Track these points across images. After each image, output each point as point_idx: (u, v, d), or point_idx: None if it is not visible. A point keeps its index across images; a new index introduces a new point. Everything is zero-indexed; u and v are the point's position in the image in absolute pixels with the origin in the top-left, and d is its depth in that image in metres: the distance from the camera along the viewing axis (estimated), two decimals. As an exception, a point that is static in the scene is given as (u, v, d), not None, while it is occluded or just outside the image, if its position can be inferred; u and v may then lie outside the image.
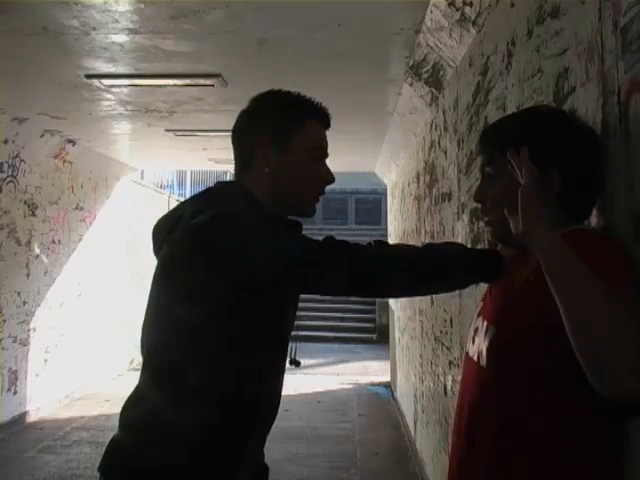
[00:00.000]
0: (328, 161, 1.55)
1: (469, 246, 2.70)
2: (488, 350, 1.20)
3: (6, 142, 5.58)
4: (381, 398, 7.45)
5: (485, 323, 1.25)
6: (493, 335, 1.20)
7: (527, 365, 1.12)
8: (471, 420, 1.22)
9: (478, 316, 1.33)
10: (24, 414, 5.96)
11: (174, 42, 3.45)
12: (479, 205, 1.36)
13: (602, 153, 1.25)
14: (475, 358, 1.25)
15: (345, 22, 3.13)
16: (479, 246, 2.47)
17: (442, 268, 1.36)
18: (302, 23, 3.18)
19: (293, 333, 1.55)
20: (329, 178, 1.53)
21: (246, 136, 1.50)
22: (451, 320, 3.22)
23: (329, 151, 1.55)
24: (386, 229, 9.21)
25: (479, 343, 1.25)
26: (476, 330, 1.29)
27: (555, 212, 1.17)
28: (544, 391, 1.10)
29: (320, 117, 1.52)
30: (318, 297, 13.37)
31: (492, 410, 1.17)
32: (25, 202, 6.01)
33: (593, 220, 1.33)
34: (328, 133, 1.56)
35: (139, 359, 1.46)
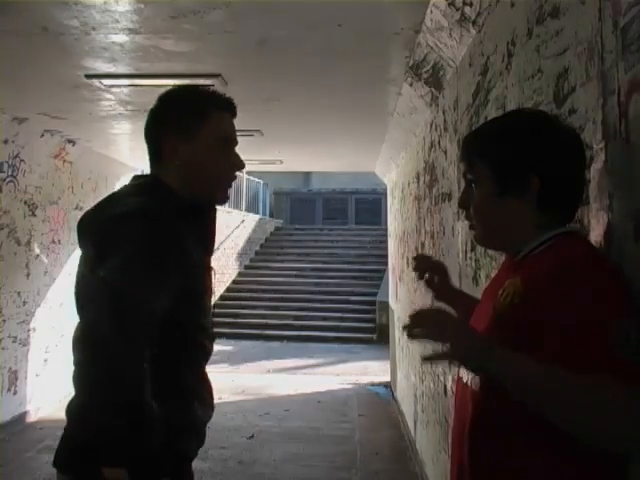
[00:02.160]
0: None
1: (469, 246, 2.71)
2: (481, 376, 1.17)
3: (6, 142, 5.58)
4: (381, 398, 7.45)
5: None
6: None
7: None
8: (474, 444, 1.19)
9: None
10: (24, 414, 5.97)
11: (174, 42, 3.45)
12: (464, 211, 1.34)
13: (584, 156, 1.25)
14: (469, 383, 1.23)
15: (345, 22, 3.12)
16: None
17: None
18: (302, 23, 3.18)
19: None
20: (239, 165, 1.61)
21: (155, 133, 1.59)
22: (451, 320, 3.21)
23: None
24: (386, 229, 9.21)
25: None
26: None
27: (535, 217, 1.19)
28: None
29: (224, 107, 1.59)
30: (318, 297, 13.41)
31: (492, 433, 1.15)
32: (25, 202, 6.01)
33: (593, 220, 1.33)
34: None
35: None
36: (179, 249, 1.43)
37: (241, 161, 1.60)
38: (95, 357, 1.27)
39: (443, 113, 3.49)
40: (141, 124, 1.65)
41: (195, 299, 1.52)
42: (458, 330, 1.11)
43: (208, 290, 1.60)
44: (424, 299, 4.32)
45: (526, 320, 1.08)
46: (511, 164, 1.20)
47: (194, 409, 1.53)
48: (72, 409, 1.42)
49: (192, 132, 1.54)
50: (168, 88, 1.64)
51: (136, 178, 1.64)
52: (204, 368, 1.62)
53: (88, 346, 1.29)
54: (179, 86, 1.67)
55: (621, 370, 0.99)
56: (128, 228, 1.39)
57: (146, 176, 1.66)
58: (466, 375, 1.26)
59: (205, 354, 1.60)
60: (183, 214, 1.48)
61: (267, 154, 7.30)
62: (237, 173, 1.65)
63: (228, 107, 1.60)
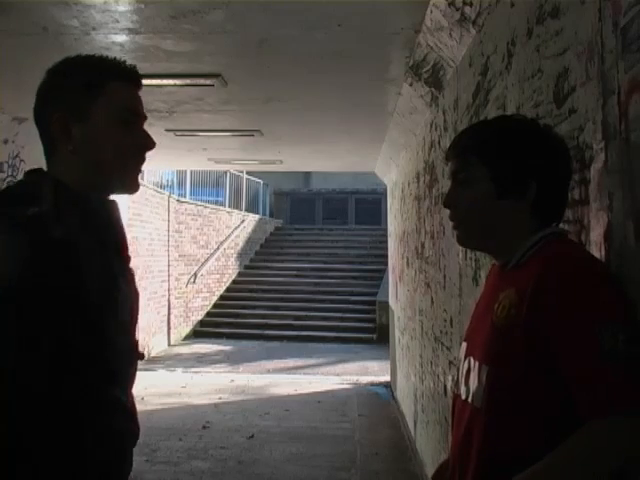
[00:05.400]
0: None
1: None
2: (485, 391, 1.16)
3: (6, 142, 5.57)
4: (381, 398, 7.45)
5: (477, 364, 1.21)
6: (487, 374, 1.16)
7: (527, 401, 1.10)
8: (479, 463, 1.17)
9: (466, 356, 1.28)
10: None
11: (174, 42, 3.45)
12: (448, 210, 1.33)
13: (570, 162, 1.29)
14: (470, 400, 1.21)
15: (345, 22, 3.12)
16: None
17: None
18: (302, 23, 3.18)
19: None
20: (147, 143, 1.32)
21: (44, 114, 1.30)
22: (451, 320, 3.22)
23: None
24: (386, 229, 9.21)
25: (474, 384, 1.20)
26: (468, 371, 1.24)
27: (527, 219, 1.21)
28: (546, 427, 1.07)
29: (124, 77, 1.33)
30: (318, 297, 13.40)
31: (492, 451, 1.14)
32: (25, 202, 6.00)
33: (593, 220, 1.33)
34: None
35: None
36: (66, 272, 1.13)
37: (151, 140, 1.32)
38: None
39: (443, 113, 3.49)
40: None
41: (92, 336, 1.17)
42: None
43: (113, 303, 1.26)
44: (424, 299, 4.32)
45: (523, 328, 1.10)
46: (513, 168, 1.21)
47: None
48: None
49: (87, 108, 1.27)
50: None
51: (27, 174, 1.30)
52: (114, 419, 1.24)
53: None
54: (72, 56, 1.37)
55: (610, 380, 1.00)
56: None
57: (34, 171, 1.30)
58: (464, 391, 1.24)
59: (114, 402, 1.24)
60: (79, 216, 1.21)
61: (267, 154, 7.30)
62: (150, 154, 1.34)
63: (129, 76, 1.33)
